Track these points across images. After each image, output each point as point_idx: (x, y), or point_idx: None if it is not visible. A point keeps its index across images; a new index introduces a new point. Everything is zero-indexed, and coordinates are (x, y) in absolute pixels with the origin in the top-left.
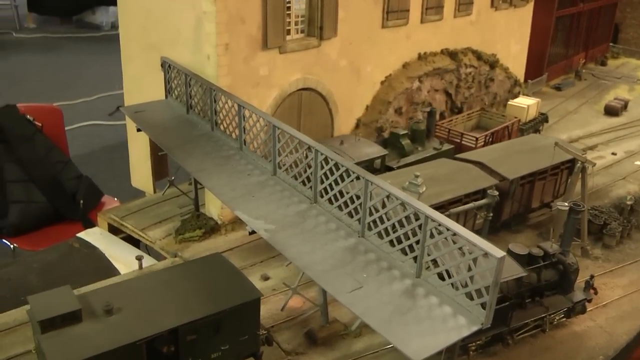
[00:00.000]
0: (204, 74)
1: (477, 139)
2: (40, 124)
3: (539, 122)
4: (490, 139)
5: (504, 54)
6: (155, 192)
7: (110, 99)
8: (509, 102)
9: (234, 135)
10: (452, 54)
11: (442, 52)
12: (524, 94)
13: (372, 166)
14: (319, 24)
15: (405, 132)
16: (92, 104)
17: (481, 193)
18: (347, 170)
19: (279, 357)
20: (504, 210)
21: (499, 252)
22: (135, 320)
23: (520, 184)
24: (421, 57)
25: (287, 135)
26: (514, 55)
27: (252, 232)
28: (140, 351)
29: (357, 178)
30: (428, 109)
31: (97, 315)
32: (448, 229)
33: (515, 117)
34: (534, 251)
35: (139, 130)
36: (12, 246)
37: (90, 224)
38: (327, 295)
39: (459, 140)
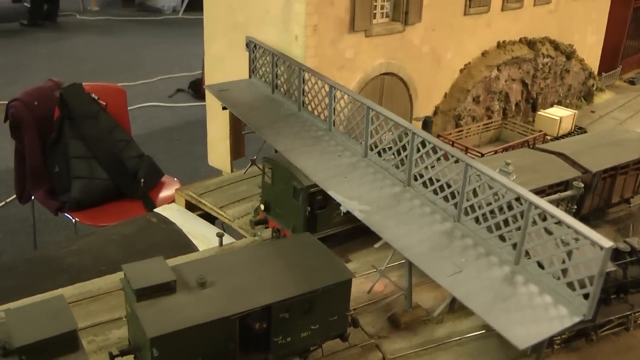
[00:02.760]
0: (291, 54)
1: (482, 155)
2: (104, 103)
3: None
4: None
5: (580, 45)
6: (232, 171)
7: (170, 81)
8: (538, 113)
9: (322, 116)
10: (531, 43)
11: (520, 40)
12: (598, 88)
13: None
14: (405, 9)
15: (389, 145)
16: (152, 86)
17: (564, 185)
18: (445, 154)
19: (362, 340)
20: (584, 203)
21: (607, 242)
22: (229, 295)
23: (602, 178)
24: (500, 46)
25: (382, 117)
26: (590, 47)
27: (346, 213)
28: (233, 326)
29: (456, 161)
30: (422, 118)
31: (191, 287)
32: (553, 216)
33: (541, 131)
34: (620, 246)
35: (224, 108)
36: (73, 220)
37: (150, 202)
38: (412, 279)
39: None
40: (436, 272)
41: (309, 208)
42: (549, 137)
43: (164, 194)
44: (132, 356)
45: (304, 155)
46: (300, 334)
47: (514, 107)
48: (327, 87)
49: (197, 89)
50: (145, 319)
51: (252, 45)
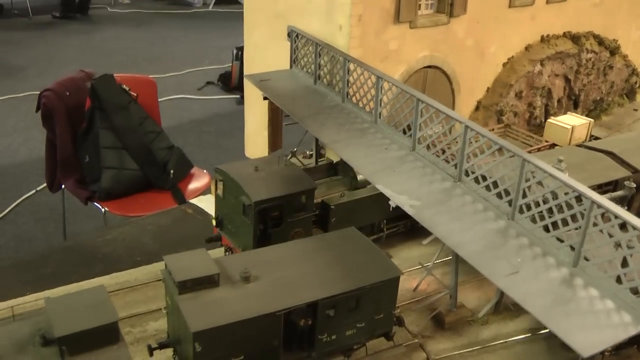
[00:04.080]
0: (335, 44)
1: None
2: (135, 94)
3: None
4: None
5: (623, 41)
6: None
7: (199, 74)
8: (548, 120)
9: (367, 108)
10: (575, 38)
11: (564, 35)
12: None
13: (291, 204)
14: (450, 0)
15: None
16: (182, 78)
17: (613, 185)
18: (500, 148)
19: (406, 339)
20: (632, 204)
21: None
22: (273, 290)
23: None
24: (544, 40)
25: (432, 109)
26: (634, 42)
27: (396, 209)
28: (278, 322)
29: (512, 156)
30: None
31: (234, 281)
32: (617, 217)
33: (547, 141)
34: None
35: (265, 98)
36: (103, 210)
37: (179, 194)
38: (458, 278)
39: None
40: (492, 272)
41: (261, 226)
42: (558, 149)
43: (194, 185)
44: (172, 350)
45: (350, 148)
46: (345, 332)
47: (556, 104)
48: (373, 78)
49: (226, 81)
50: (188, 313)
51: (294, 35)
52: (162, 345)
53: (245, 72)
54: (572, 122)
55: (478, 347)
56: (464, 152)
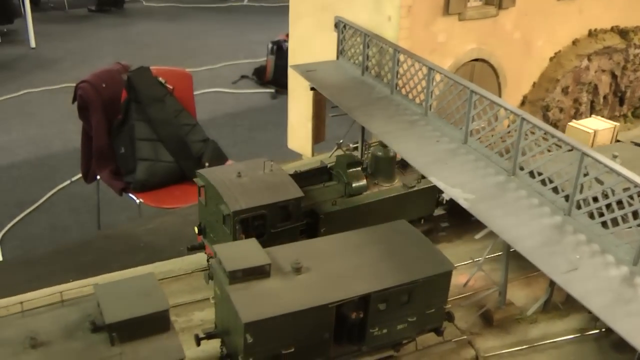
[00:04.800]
0: (383, 35)
1: None
2: (171, 87)
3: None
4: None
5: None
6: (313, 155)
7: (234, 68)
8: (569, 124)
9: (417, 100)
10: (623, 33)
11: (612, 29)
12: None
13: (275, 214)
14: None
15: (357, 159)
16: (216, 72)
17: None
18: (559, 141)
19: (454, 335)
20: None
21: None
22: (325, 282)
23: None
24: (591, 34)
25: (487, 101)
26: None
27: (448, 201)
28: (330, 315)
29: (570, 150)
30: None
31: (285, 272)
32: None
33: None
34: None
35: (312, 89)
36: (137, 201)
37: None
38: (507, 275)
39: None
40: (550, 268)
41: (242, 236)
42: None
43: None
44: (219, 340)
45: (400, 140)
46: (396, 326)
47: (602, 100)
48: (424, 70)
49: (261, 76)
50: (239, 303)
51: (341, 26)
52: (209, 336)
53: (290, 62)
54: (595, 125)
55: (527, 346)
56: (519, 145)
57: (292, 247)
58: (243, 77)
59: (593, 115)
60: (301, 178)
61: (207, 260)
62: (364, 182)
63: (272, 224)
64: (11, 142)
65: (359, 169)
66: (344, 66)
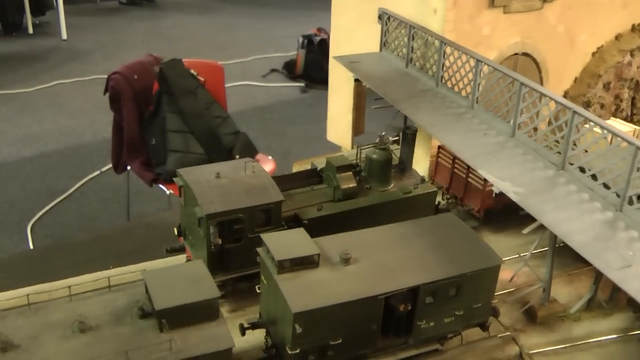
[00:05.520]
0: (428, 28)
1: (486, 180)
2: (203, 79)
3: None
4: None
5: None
6: (352, 147)
7: (264, 61)
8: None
9: (463, 93)
10: None
11: None
12: None
13: (253, 218)
14: None
15: (350, 162)
16: (246, 65)
17: None
18: (612, 135)
19: (497, 331)
20: None
21: None
22: (374, 273)
23: None
24: (635, 29)
25: (536, 94)
26: None
27: (498, 194)
28: (379, 306)
29: (622, 145)
30: (395, 132)
31: (334, 263)
32: None
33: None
34: None
35: (356, 80)
36: (168, 192)
37: None
38: (552, 272)
39: (464, 176)
40: (603, 264)
41: (219, 241)
42: None
43: None
44: (264, 330)
45: (447, 132)
46: (443, 319)
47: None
48: (472, 62)
49: (291, 69)
50: (289, 293)
51: (385, 17)
52: (254, 326)
53: (332, 54)
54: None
55: (571, 345)
56: (569, 139)
57: (340, 238)
58: (273, 70)
59: (612, 118)
60: (288, 180)
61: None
62: (354, 185)
63: (250, 228)
64: (42, 131)
65: (350, 172)
66: (388, 58)
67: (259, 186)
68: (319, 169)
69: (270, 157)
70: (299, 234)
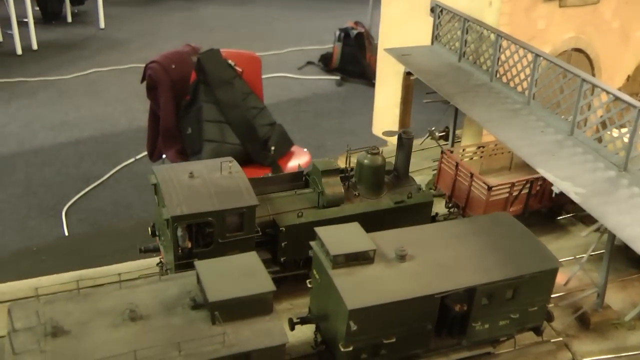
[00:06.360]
0: (482, 21)
1: (489, 187)
2: (240, 70)
3: None
4: (522, 190)
5: None
6: None
7: (299, 54)
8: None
9: (519, 88)
10: None
11: None
12: None
13: (223, 222)
14: None
15: (336, 166)
16: (282, 57)
17: None
18: None
19: (550, 336)
20: None
21: None
22: (430, 271)
23: None
24: None
25: (599, 90)
26: None
27: (558, 194)
28: (434, 305)
29: None
30: (395, 133)
31: (389, 259)
32: None
33: None
34: None
35: (408, 73)
36: None
37: (279, 170)
38: (608, 277)
39: (467, 184)
40: None
41: (188, 244)
42: None
43: (293, 163)
44: (313, 326)
45: (503, 128)
46: (498, 321)
47: None
48: (529, 57)
49: (327, 62)
50: (344, 289)
51: (437, 10)
52: (303, 321)
53: (381, 46)
54: None
55: (626, 354)
56: (632, 139)
57: (394, 234)
58: (309, 63)
59: None
60: (271, 183)
61: (157, 264)
62: (341, 192)
63: (220, 233)
64: (79, 118)
65: (337, 177)
66: (439, 52)
67: (232, 188)
68: (304, 171)
69: (305, 150)
70: (354, 228)
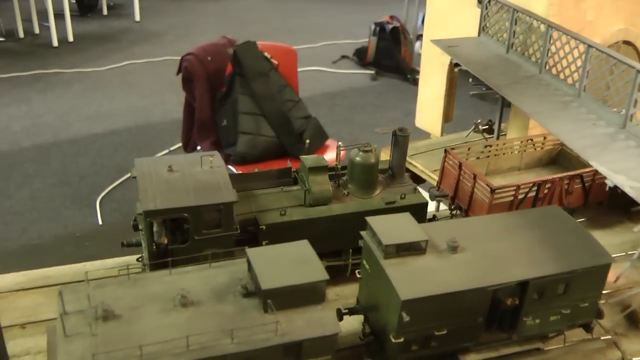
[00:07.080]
0: (531, 11)
1: (492, 190)
2: (276, 62)
3: None
4: (528, 193)
5: None
6: (442, 134)
7: (334, 47)
8: None
9: (570, 80)
10: None
11: None
12: None
13: (199, 219)
14: None
15: (325, 163)
16: (317, 51)
17: None
18: None
19: (598, 333)
20: None
21: None
22: (483, 263)
23: None
24: None
25: None
26: None
27: (614, 187)
28: (487, 298)
29: None
30: (389, 130)
31: (440, 250)
32: None
33: None
34: None
35: (456, 65)
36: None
37: None
38: None
39: (470, 185)
40: None
41: (164, 240)
42: None
43: (328, 157)
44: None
45: (554, 120)
46: (549, 317)
47: None
48: (581, 48)
49: (361, 56)
50: (397, 279)
51: (485, 1)
52: (352, 311)
53: (426, 38)
54: None
55: None
56: None
57: (445, 225)
58: (343, 57)
59: None
60: (256, 179)
61: (138, 259)
62: (328, 190)
63: (196, 230)
64: (113, 109)
65: (326, 175)
66: (487, 43)
67: (211, 184)
68: (294, 169)
69: (340, 143)
70: (406, 218)
